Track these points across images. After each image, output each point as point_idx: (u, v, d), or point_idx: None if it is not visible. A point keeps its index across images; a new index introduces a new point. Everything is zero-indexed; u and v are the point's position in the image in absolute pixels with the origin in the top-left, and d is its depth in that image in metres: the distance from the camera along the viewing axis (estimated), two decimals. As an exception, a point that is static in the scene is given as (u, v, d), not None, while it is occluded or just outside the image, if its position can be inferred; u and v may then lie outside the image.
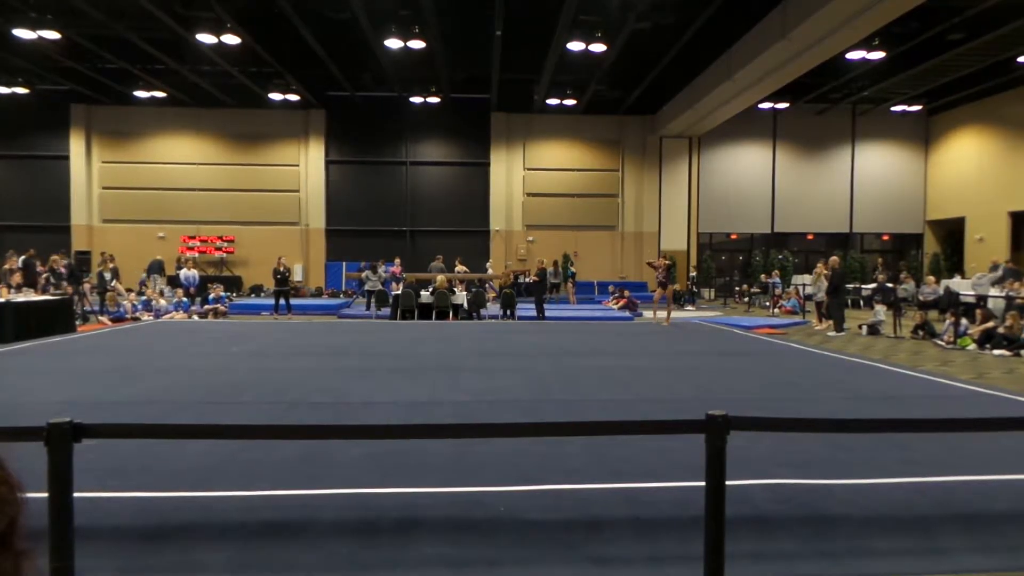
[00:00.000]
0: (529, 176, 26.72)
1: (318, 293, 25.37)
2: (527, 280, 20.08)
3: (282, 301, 17.84)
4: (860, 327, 15.59)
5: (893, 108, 25.75)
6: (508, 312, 17.85)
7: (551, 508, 4.11)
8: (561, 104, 24.12)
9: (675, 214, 26.95)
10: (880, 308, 15.60)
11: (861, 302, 21.43)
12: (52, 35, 17.24)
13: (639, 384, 8.24)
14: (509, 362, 9.85)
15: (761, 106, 24.32)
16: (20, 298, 12.81)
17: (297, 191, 26.25)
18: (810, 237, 27.91)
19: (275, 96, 23.26)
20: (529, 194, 26.73)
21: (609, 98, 24.22)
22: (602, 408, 6.79)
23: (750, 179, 27.33)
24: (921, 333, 14.21)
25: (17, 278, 14.37)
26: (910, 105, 25.60)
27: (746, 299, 23.70)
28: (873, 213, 27.40)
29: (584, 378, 8.59)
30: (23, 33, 17.01)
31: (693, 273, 25.56)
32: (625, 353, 10.99)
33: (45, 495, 2.88)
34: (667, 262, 16.17)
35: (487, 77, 22.12)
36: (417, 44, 17.72)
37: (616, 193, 26.99)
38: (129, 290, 18.50)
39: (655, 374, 8.97)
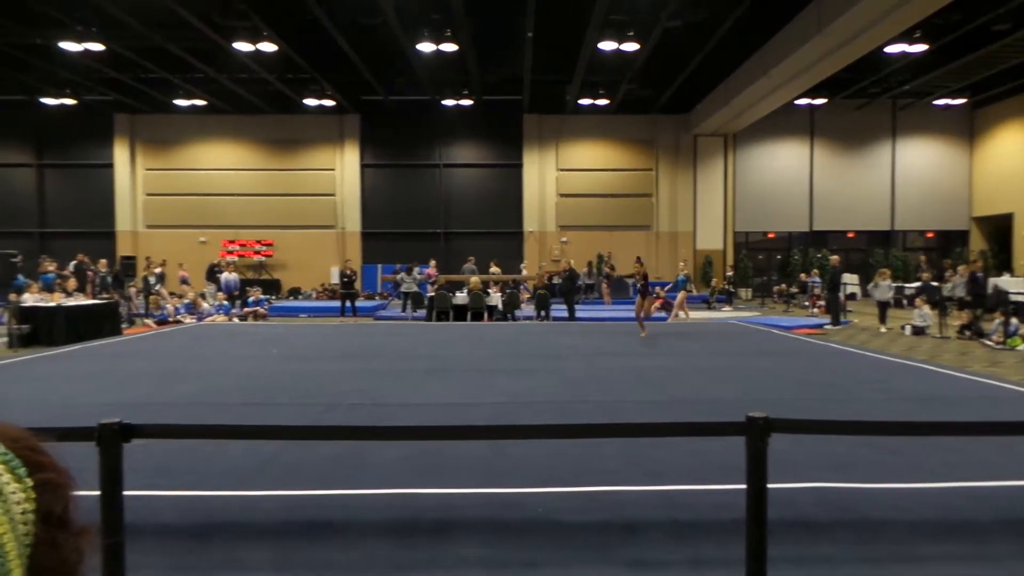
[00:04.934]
0: (562, 177, 26.67)
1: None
2: (559, 280, 20.04)
3: (348, 304, 18.31)
4: (903, 327, 15.22)
5: (936, 102, 25.06)
6: (542, 313, 17.84)
7: (587, 510, 4.09)
8: (593, 104, 24.03)
9: (710, 213, 26.64)
10: (925, 308, 15.20)
11: (904, 301, 20.91)
12: (96, 47, 17.77)
13: (675, 385, 8.17)
14: (543, 363, 9.84)
15: (798, 102, 23.90)
16: (71, 302, 13.22)
17: (333, 195, 26.60)
18: (851, 235, 27.33)
19: (311, 102, 23.62)
20: (562, 195, 26.69)
21: (641, 97, 24.06)
22: (638, 409, 6.74)
23: (787, 176, 26.89)
24: (968, 333, 13.81)
25: (73, 283, 14.87)
26: (954, 98, 24.88)
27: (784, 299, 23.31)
28: (916, 210, 26.71)
29: (619, 379, 8.54)
30: (69, 46, 17.59)
31: (729, 273, 25.24)
32: (661, 354, 10.89)
33: (97, 493, 2.97)
34: (643, 269, 13.66)
35: (519, 79, 22.15)
36: (449, 47, 17.83)
37: (650, 193, 26.79)
38: (177, 295, 18.98)
39: (691, 375, 8.88)
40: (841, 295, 18.00)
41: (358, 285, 26.13)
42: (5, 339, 11.59)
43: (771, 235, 27.77)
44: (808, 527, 3.83)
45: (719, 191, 26.57)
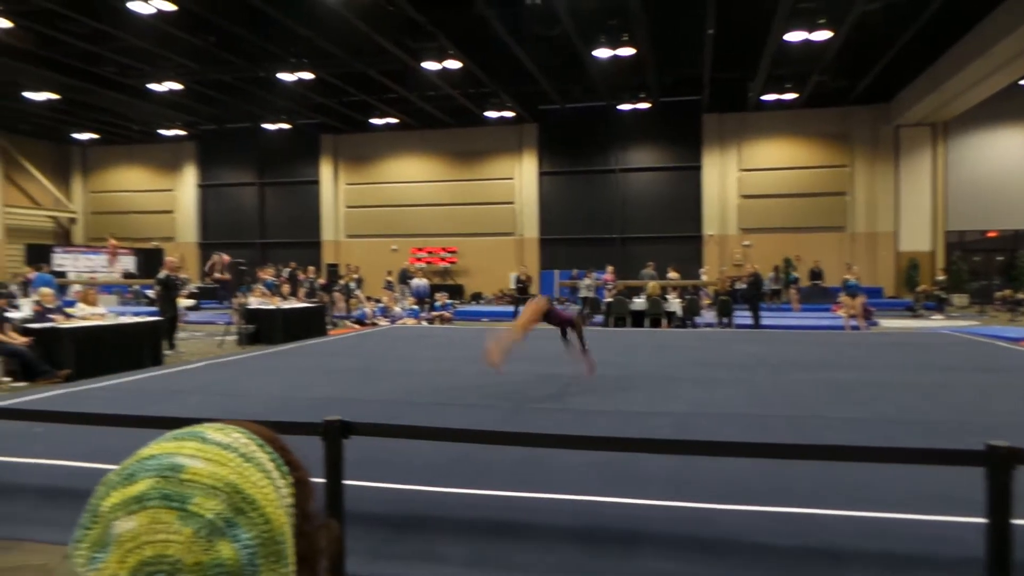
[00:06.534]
0: (744, 177, 25.49)
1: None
2: (742, 285, 19.13)
3: (521, 308, 19.09)
4: None
5: None
6: (724, 320, 17.16)
7: (782, 532, 3.90)
8: (779, 99, 22.71)
9: (916, 211, 24.11)
10: None
11: None
12: (307, 76, 19.91)
13: (877, 402, 7.49)
14: (727, 373, 9.47)
15: (1025, 82, 20.96)
16: (286, 305, 14.86)
17: (512, 203, 27.47)
18: (1096, 232, 23.45)
19: (491, 114, 24.64)
20: (744, 196, 25.50)
21: (833, 89, 22.33)
22: (834, 427, 6.28)
23: (1012, 167, 23.62)
24: None
25: (287, 288, 16.75)
26: None
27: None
28: None
29: (811, 393, 8.01)
30: (285, 76, 19.88)
31: (940, 277, 22.66)
32: (858, 366, 10.05)
33: (322, 481, 3.33)
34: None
35: (697, 78, 21.51)
36: (626, 51, 17.74)
37: (844, 191, 24.79)
38: (376, 300, 20.62)
39: (896, 391, 8.10)
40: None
41: (534, 290, 26.77)
42: (236, 337, 13.27)
43: (991, 234, 24.53)
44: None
45: (926, 186, 23.99)
